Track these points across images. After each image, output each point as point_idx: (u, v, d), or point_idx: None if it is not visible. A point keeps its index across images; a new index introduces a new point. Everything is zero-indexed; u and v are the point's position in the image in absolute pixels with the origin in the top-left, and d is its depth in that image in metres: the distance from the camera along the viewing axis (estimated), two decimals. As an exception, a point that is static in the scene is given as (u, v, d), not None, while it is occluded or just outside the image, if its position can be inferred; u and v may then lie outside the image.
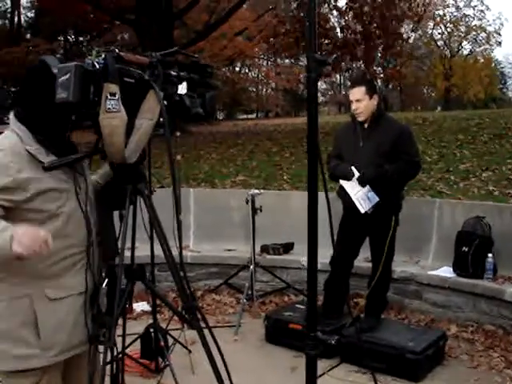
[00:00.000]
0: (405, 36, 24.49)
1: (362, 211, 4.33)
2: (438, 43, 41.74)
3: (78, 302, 2.32)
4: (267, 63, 37.60)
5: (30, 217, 2.18)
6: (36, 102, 2.19)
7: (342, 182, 4.49)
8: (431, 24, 38.73)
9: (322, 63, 1.82)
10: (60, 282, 2.27)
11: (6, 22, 31.67)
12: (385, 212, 4.39)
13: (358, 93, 4.40)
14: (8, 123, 6.73)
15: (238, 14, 19.91)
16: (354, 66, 21.75)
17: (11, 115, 2.29)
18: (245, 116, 42.51)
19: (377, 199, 4.30)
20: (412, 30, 25.18)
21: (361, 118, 4.43)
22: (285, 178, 9.08)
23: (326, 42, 18.83)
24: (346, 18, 20.68)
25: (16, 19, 30.04)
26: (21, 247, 1.94)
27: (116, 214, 2.50)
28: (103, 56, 2.23)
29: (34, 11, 31.16)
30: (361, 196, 4.33)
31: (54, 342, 2.25)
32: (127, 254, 2.55)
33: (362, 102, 4.38)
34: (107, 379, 2.57)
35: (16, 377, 2.24)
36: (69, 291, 2.29)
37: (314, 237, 1.93)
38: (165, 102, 2.35)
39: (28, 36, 28.38)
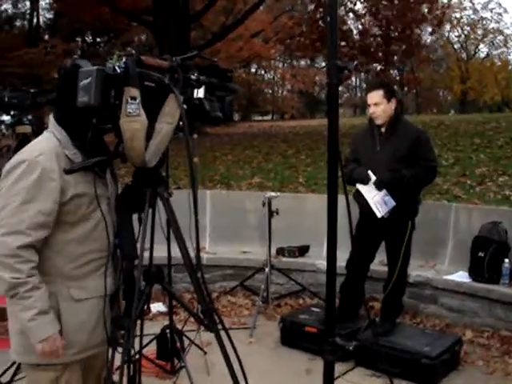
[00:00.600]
0: (424, 39, 24.22)
1: (379, 215, 4.32)
2: (455, 46, 41.46)
3: (99, 304, 2.36)
4: (283, 65, 37.58)
5: (62, 219, 2.24)
6: (70, 105, 2.18)
7: (358, 185, 4.49)
8: (448, 27, 38.50)
9: (342, 70, 1.83)
10: (85, 284, 2.33)
11: (25, 23, 31.90)
12: (401, 216, 4.38)
13: (375, 96, 4.40)
14: (27, 124, 6.70)
15: (255, 16, 19.92)
16: (371, 67, 21.61)
17: (51, 117, 2.32)
18: (260, 118, 42.47)
19: (393, 203, 4.30)
20: (431, 34, 24.91)
21: (378, 122, 4.43)
22: (300, 180, 9.08)
23: (343, 44, 18.75)
24: (363, 20, 20.60)
25: (35, 20, 30.23)
26: (41, 350, 2.19)
27: (134, 216, 2.53)
28: (124, 60, 2.25)
29: (52, 12, 31.35)
30: (378, 200, 4.33)
31: (74, 341, 2.30)
32: (146, 256, 2.58)
33: (379, 105, 4.38)
34: (124, 380, 2.59)
35: (38, 370, 2.31)
36: (92, 293, 2.34)
37: (334, 240, 1.92)
38: (184, 106, 2.37)
39: (46, 37, 28.49)
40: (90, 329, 2.35)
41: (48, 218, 2.18)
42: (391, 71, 23.60)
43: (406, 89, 30.62)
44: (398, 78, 26.38)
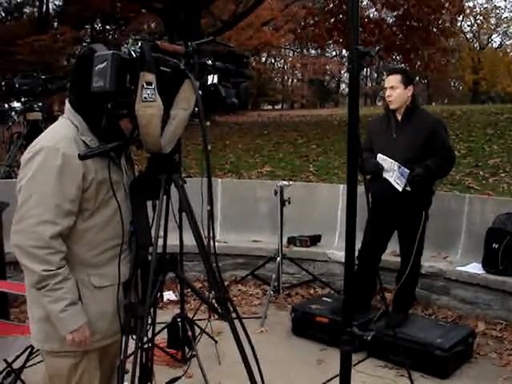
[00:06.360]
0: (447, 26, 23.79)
1: (400, 189, 4.25)
2: (467, 35, 41.09)
3: (120, 291, 2.34)
4: (293, 54, 37.41)
5: (82, 207, 2.22)
6: (85, 90, 2.12)
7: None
8: (460, 16, 38.09)
9: (364, 55, 1.79)
10: (105, 271, 2.31)
11: (35, 10, 31.85)
12: (416, 206, 4.34)
13: (393, 80, 4.39)
14: (38, 110, 6.71)
15: (265, 4, 19.76)
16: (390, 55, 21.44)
17: (66, 103, 2.28)
18: (270, 107, 42.36)
19: (408, 171, 4.23)
20: (450, 22, 24.55)
21: (392, 106, 4.41)
22: (311, 169, 9.04)
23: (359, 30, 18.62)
24: (378, 6, 20.43)
25: (44, 7, 30.20)
26: (72, 340, 2.19)
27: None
28: (140, 44, 2.20)
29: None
30: (396, 175, 4.27)
31: (96, 328, 2.30)
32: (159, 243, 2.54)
33: (395, 89, 4.36)
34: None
35: (58, 357, 2.32)
36: (112, 280, 2.32)
37: (353, 229, 1.88)
38: (200, 92, 2.33)
39: (55, 24, 28.45)
40: (111, 316, 2.34)
41: (74, 204, 2.16)
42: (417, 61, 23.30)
43: (417, 78, 30.26)
44: (401, 63, 26.00)
